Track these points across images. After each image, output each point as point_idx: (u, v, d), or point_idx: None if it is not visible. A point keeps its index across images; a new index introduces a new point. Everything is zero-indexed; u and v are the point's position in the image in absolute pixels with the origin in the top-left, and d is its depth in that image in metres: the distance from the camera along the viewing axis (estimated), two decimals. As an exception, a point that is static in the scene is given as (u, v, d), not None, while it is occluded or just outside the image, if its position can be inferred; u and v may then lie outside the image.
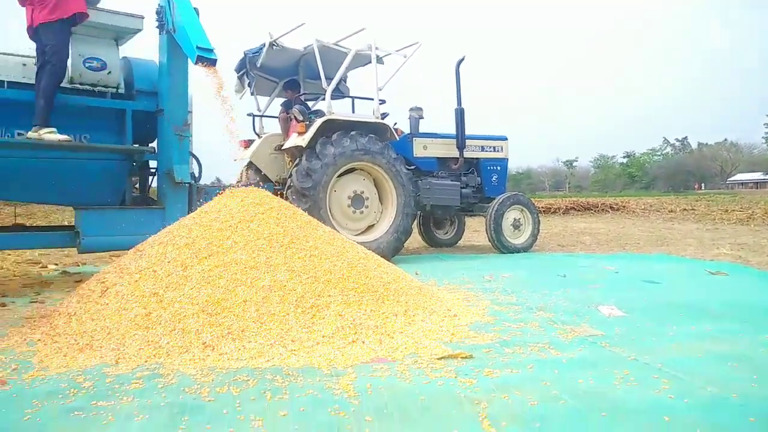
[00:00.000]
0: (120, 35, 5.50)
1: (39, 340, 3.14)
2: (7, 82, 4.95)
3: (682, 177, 55.45)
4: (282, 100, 8.17)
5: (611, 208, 18.20)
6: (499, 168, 8.73)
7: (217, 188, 5.50)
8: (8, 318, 3.86)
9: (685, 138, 67.03)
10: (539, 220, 8.42)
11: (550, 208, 17.84)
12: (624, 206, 18.41)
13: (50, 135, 4.74)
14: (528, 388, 2.31)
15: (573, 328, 3.36)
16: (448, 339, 3.10)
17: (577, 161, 60.90)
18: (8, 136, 4.97)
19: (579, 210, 18.10)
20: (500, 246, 7.96)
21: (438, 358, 2.73)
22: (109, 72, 5.32)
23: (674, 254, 7.74)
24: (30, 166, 5.05)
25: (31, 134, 4.77)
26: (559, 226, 13.67)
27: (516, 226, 8.16)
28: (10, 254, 7.50)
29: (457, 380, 2.41)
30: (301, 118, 7.09)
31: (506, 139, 8.92)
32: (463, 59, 8.13)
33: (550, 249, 8.83)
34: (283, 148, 7.43)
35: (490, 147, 8.69)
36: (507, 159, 8.88)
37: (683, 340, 3.10)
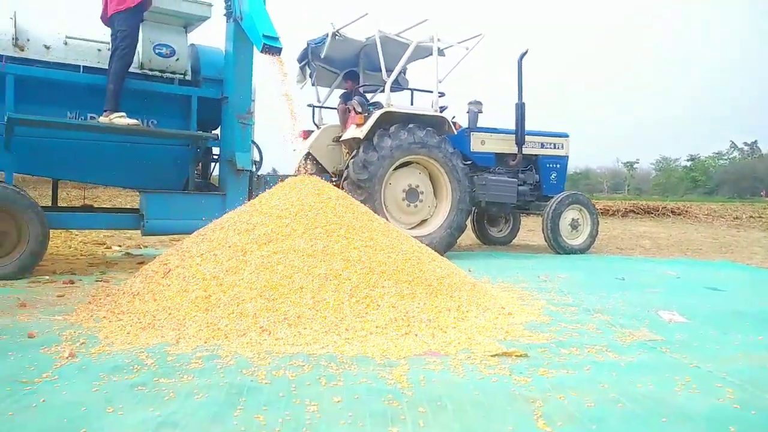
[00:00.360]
0: (189, 22, 5.65)
1: (104, 317, 3.28)
2: (84, 66, 5.16)
3: (749, 183, 53.01)
4: (341, 91, 8.23)
5: (672, 212, 17.60)
6: (558, 166, 8.55)
7: (276, 177, 5.60)
8: (76, 294, 4.05)
9: (755, 142, 64.01)
10: (598, 222, 8.21)
11: (608, 210, 17.40)
12: (686, 211, 17.77)
13: (120, 119, 4.92)
14: (585, 390, 2.26)
15: (632, 332, 3.27)
16: (502, 337, 3.06)
17: (638, 163, 59.05)
18: (81, 119, 5.19)
19: (638, 213, 17.59)
20: (556, 246, 7.81)
21: (492, 355, 2.71)
22: (178, 59, 5.48)
23: (739, 262, 7.43)
24: (100, 148, 5.27)
25: (102, 119, 4.96)
26: (618, 228, 13.32)
27: (574, 226, 7.99)
28: (77, 234, 7.84)
29: (512, 378, 2.39)
30: (359, 109, 7.13)
31: (568, 136, 8.73)
32: (526, 53, 7.99)
33: (608, 251, 8.61)
34: (341, 139, 7.49)
35: (551, 144, 8.53)
36: (567, 157, 8.69)
37: (749, 349, 2.98)
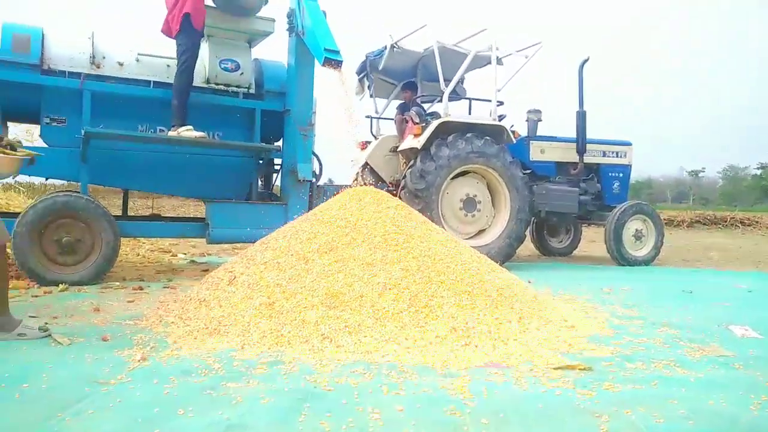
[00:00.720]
0: (253, 38, 5.84)
1: (173, 322, 3.40)
2: (153, 81, 5.39)
3: (826, 191, 50.06)
4: (399, 102, 8.29)
5: (742, 223, 16.84)
6: (621, 175, 8.35)
7: (335, 187, 5.69)
8: (146, 300, 4.22)
9: (834, 148, 60.57)
10: (663, 232, 7.95)
11: (672, 220, 16.82)
12: (757, 221, 16.97)
13: (188, 132, 5.11)
14: (652, 406, 2.20)
15: (701, 347, 3.16)
16: (565, 349, 3.01)
17: (704, 171, 56.66)
18: (151, 132, 5.42)
19: (705, 224, 16.93)
20: (619, 257, 7.61)
21: (555, 368, 2.66)
22: (242, 73, 5.65)
23: (817, 275, 7.04)
24: (168, 160, 5.49)
25: (171, 132, 5.17)
26: (683, 239, 12.86)
27: (638, 237, 7.76)
28: (144, 242, 8.16)
29: (576, 391, 2.35)
30: (417, 120, 7.16)
31: (630, 144, 8.51)
32: (587, 60, 7.85)
33: (673, 263, 8.33)
34: (398, 149, 7.53)
35: (613, 152, 8.33)
36: (630, 166, 8.47)
37: (834, 369, 2.82)
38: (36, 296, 4.30)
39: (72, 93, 5.03)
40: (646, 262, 7.72)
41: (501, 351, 2.92)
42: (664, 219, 16.08)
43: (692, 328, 3.62)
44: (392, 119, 8.14)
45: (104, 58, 5.24)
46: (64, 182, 8.11)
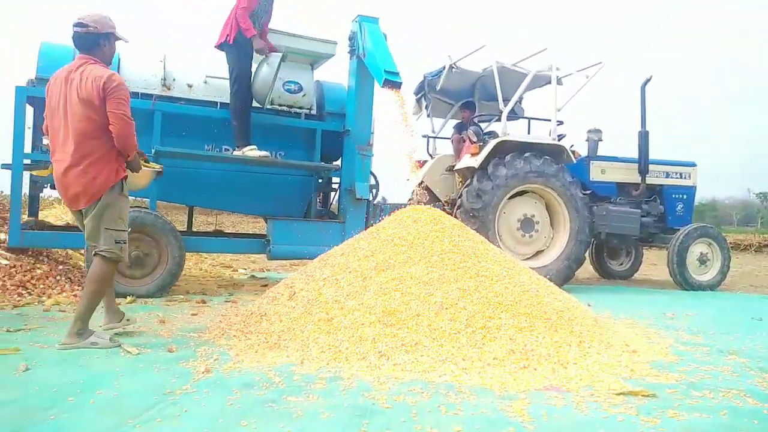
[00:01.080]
0: (315, 60, 6.01)
1: (234, 335, 3.51)
2: (220, 102, 5.61)
3: None
4: (455, 121, 8.32)
5: (814, 247, 15.97)
6: (685, 197, 8.08)
7: (391, 206, 5.74)
8: (208, 314, 4.36)
9: None
10: (730, 256, 7.64)
11: (739, 244, 16.11)
12: (830, 247, 16.05)
13: (252, 152, 5.28)
14: (722, 438, 2.12)
15: (774, 378, 3.02)
16: (627, 375, 2.93)
17: (773, 193, 53.85)
18: (217, 151, 5.63)
19: (774, 248, 16.13)
20: (683, 282, 7.35)
21: (616, 394, 2.60)
22: (304, 94, 5.82)
23: None
24: (232, 178, 5.68)
25: (236, 153, 5.35)
26: (751, 264, 12.30)
27: (702, 261, 7.48)
28: (206, 257, 8.42)
29: (639, 418, 2.29)
30: (475, 139, 7.16)
31: (695, 165, 8.25)
32: (649, 79, 7.68)
33: (740, 289, 7.97)
34: (455, 168, 7.54)
35: (676, 173, 8.09)
36: (695, 187, 8.19)
37: None
38: (106, 307, 4.50)
39: (144, 113, 5.28)
40: (712, 287, 7.43)
41: (560, 375, 2.87)
42: (731, 243, 15.41)
43: (763, 358, 3.46)
44: (449, 138, 8.16)
45: (174, 80, 5.50)
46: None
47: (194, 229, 7.21)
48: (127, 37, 3.48)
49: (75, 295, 4.81)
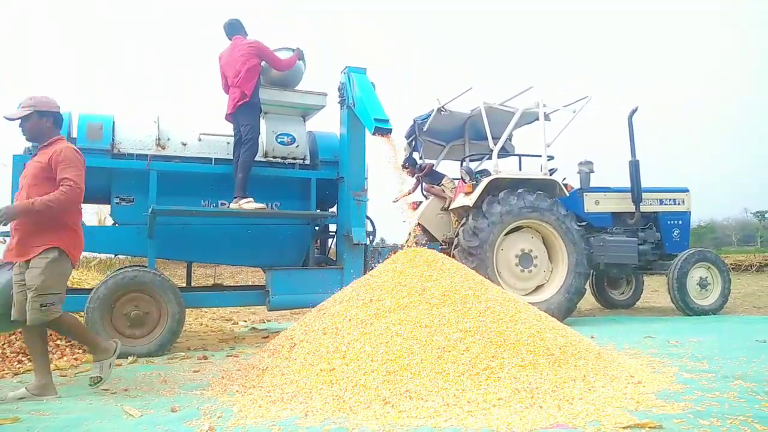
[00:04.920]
0: (307, 112, 6.14)
1: (237, 391, 3.48)
2: (215, 159, 5.70)
3: None
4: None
5: (815, 265, 15.93)
6: (680, 222, 8.14)
7: (389, 248, 5.77)
8: (210, 370, 4.33)
9: None
10: (729, 279, 7.64)
11: (739, 265, 16.05)
12: (832, 262, 16.02)
13: (248, 204, 5.34)
14: (731, 468, 2.10)
15: (781, 402, 3.00)
16: (633, 407, 2.91)
17: (770, 212, 53.88)
18: (213, 206, 5.68)
19: (775, 267, 16.08)
20: (685, 307, 7.34)
21: (624, 427, 2.58)
22: (297, 145, 5.92)
23: None
24: (230, 232, 5.72)
25: (232, 205, 5.41)
26: (753, 285, 12.25)
27: (703, 285, 7.49)
28: (206, 311, 8.39)
29: (647, 453, 2.27)
30: (468, 178, 7.24)
31: (688, 191, 8.33)
32: (636, 110, 7.83)
33: (743, 311, 7.95)
34: (450, 208, 7.60)
35: (670, 200, 8.17)
36: (689, 212, 8.26)
37: None
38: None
39: (139, 174, 5.36)
40: (714, 311, 7.41)
41: (566, 411, 2.85)
42: (731, 264, 15.44)
43: (770, 382, 3.45)
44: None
45: (169, 139, 5.60)
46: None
47: (193, 284, 7.21)
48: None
49: (76, 359, 4.78)
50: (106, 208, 5.81)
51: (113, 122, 5.48)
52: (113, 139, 5.43)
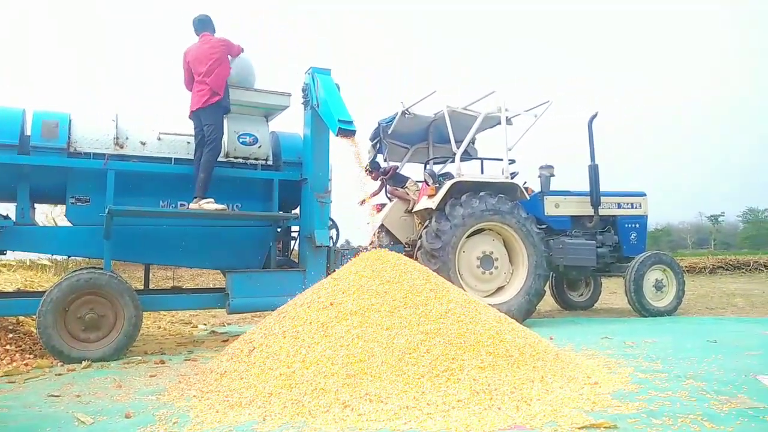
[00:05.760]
0: (270, 112, 6.08)
1: (194, 396, 3.42)
2: (174, 159, 5.59)
3: None
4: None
5: (766, 266, 16.49)
6: (637, 225, 8.34)
7: (353, 250, 5.75)
8: (167, 374, 4.24)
9: None
10: (684, 281, 7.86)
11: (694, 267, 16.53)
12: (782, 265, 16.62)
13: (209, 205, 5.26)
14: (681, 466, 2.16)
15: (729, 399, 3.10)
16: (589, 408, 2.97)
17: (723, 216, 55.63)
18: (172, 206, 5.58)
19: (727, 269, 16.61)
20: (641, 309, 7.51)
21: (579, 428, 2.63)
22: (260, 146, 5.86)
23: None
24: (189, 233, 5.62)
25: (192, 205, 5.32)
26: (706, 286, 12.63)
27: (658, 287, 7.68)
28: (165, 315, 8.22)
29: (602, 453, 2.31)
30: (431, 181, 7.28)
31: (645, 195, 8.54)
32: (596, 115, 7.99)
33: (697, 312, 8.19)
34: (414, 210, 7.63)
35: (628, 204, 8.36)
36: (646, 216, 8.47)
37: None
38: (59, 374, 4.34)
39: (96, 173, 5.23)
40: (669, 312, 7.61)
41: (524, 412, 2.88)
42: (686, 266, 15.91)
43: (719, 380, 3.55)
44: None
45: (127, 138, 5.47)
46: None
47: (152, 286, 7.06)
48: None
49: (26, 364, 4.63)
50: (58, 209, 5.64)
51: (69, 120, 5.33)
52: (69, 138, 5.28)
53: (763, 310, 8.34)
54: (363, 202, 7.28)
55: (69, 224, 5.39)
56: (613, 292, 11.04)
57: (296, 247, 6.37)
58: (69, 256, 6.01)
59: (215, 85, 5.38)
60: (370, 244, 7.01)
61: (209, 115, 5.40)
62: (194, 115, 5.50)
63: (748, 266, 16.58)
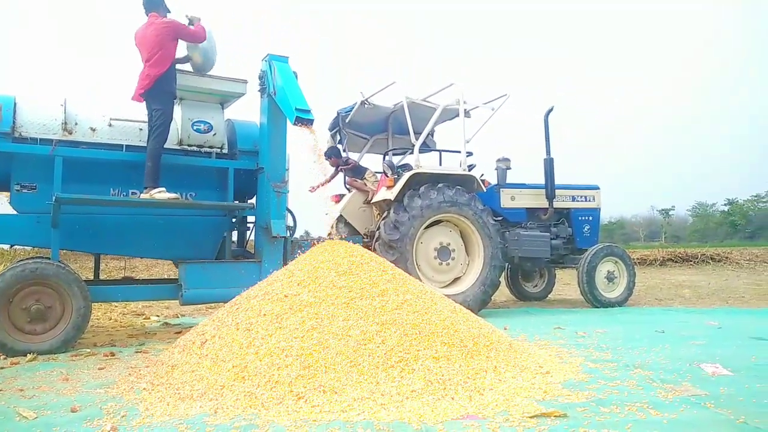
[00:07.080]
0: (225, 99, 5.95)
1: (144, 389, 3.34)
2: (126, 146, 5.43)
3: (793, 225, 51.01)
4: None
5: (712, 259, 17.06)
6: (591, 218, 8.53)
7: (308, 242, 5.71)
8: (117, 366, 4.14)
9: (797, 183, 62.09)
10: (635, 273, 8.09)
11: (645, 259, 16.98)
12: (726, 257, 17.21)
13: (160, 194, 5.13)
14: (626, 453, 2.21)
15: (674, 388, 3.20)
16: (540, 397, 3.02)
17: (673, 210, 57.53)
18: (123, 195, 5.42)
19: (677, 261, 17.12)
20: (593, 300, 7.70)
21: (530, 417, 2.67)
22: (215, 134, 5.74)
23: (787, 310, 7.18)
24: (141, 223, 5.47)
25: (143, 195, 5.18)
26: (656, 278, 13.02)
27: (610, 278, 7.88)
28: (116, 306, 8.02)
29: (551, 441, 2.35)
30: (390, 172, 7.28)
31: (598, 188, 8.73)
32: (551, 109, 8.12)
33: (646, 303, 8.43)
34: (372, 201, 7.62)
35: (582, 197, 8.54)
36: (599, 209, 8.67)
37: (801, 404, 2.87)
38: (2, 368, 4.18)
39: (43, 160, 5.04)
40: (620, 303, 7.82)
41: (477, 402, 2.92)
42: (637, 258, 16.33)
43: (665, 369, 3.67)
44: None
45: (76, 124, 5.28)
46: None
47: (104, 277, 6.87)
48: None
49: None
50: (1, 197, 5.41)
51: (15, 103, 5.11)
52: (14, 122, 5.07)
53: (709, 300, 8.65)
54: (313, 189, 7.23)
55: (14, 212, 5.17)
56: (566, 283, 11.28)
57: (252, 238, 6.28)
58: (12, 246, 5.77)
59: (156, 70, 5.20)
60: (329, 235, 6.99)
61: (154, 101, 5.25)
62: (142, 100, 5.34)
63: (696, 258, 17.13)
